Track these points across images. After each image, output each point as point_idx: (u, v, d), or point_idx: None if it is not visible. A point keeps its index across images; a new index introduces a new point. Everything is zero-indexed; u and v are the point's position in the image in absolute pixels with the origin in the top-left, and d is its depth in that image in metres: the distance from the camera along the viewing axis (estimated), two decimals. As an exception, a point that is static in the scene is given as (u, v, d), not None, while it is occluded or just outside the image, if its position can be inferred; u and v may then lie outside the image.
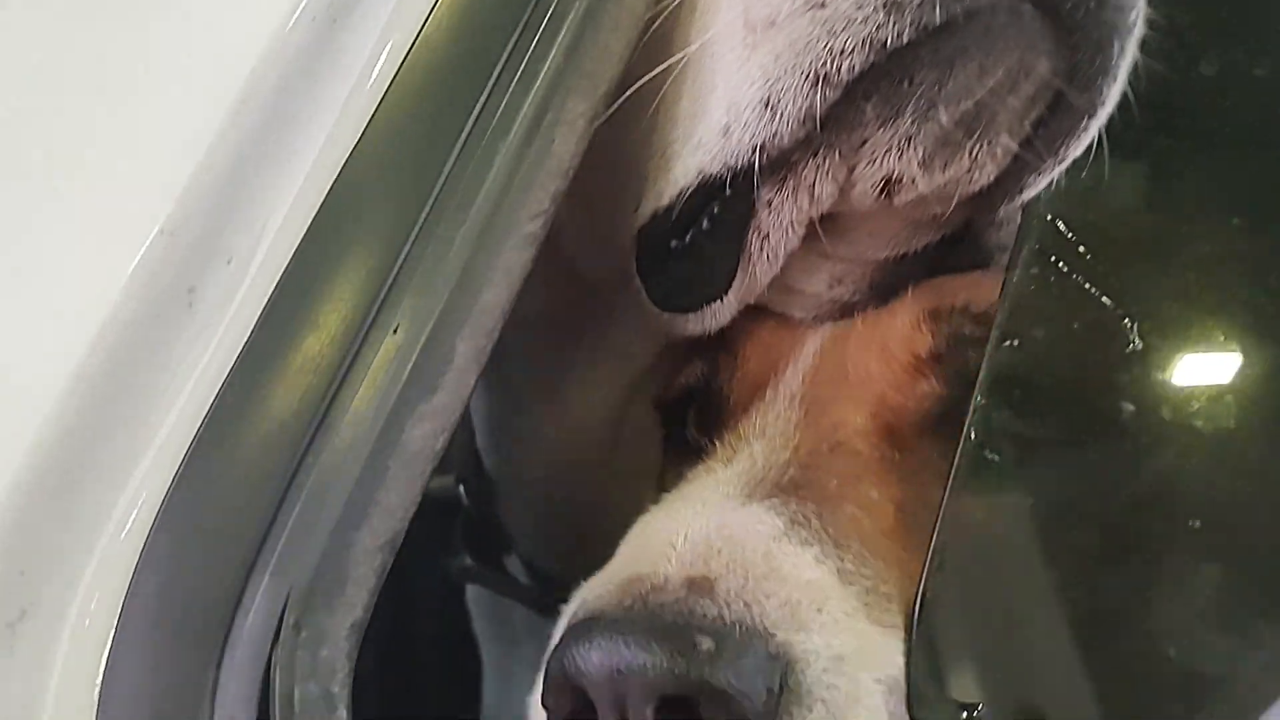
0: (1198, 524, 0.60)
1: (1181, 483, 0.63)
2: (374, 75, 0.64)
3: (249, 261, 0.61)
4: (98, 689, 0.55)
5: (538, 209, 0.66)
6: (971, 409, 0.65)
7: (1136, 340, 0.67)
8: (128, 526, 0.57)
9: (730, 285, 0.76)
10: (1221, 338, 0.69)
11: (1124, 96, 0.68)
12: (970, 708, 0.59)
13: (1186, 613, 0.62)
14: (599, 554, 0.68)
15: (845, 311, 0.80)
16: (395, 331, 0.61)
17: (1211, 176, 0.71)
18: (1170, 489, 0.65)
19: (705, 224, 0.73)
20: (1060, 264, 0.69)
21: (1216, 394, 0.65)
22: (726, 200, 0.71)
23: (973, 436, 0.64)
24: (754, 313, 0.82)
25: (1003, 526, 0.63)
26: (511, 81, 0.66)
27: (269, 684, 0.56)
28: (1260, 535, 0.63)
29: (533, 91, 0.66)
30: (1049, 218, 0.71)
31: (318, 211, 0.62)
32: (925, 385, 0.74)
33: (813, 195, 0.69)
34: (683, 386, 0.87)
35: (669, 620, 0.55)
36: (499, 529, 1.04)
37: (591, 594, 0.61)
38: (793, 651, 0.55)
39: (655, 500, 0.74)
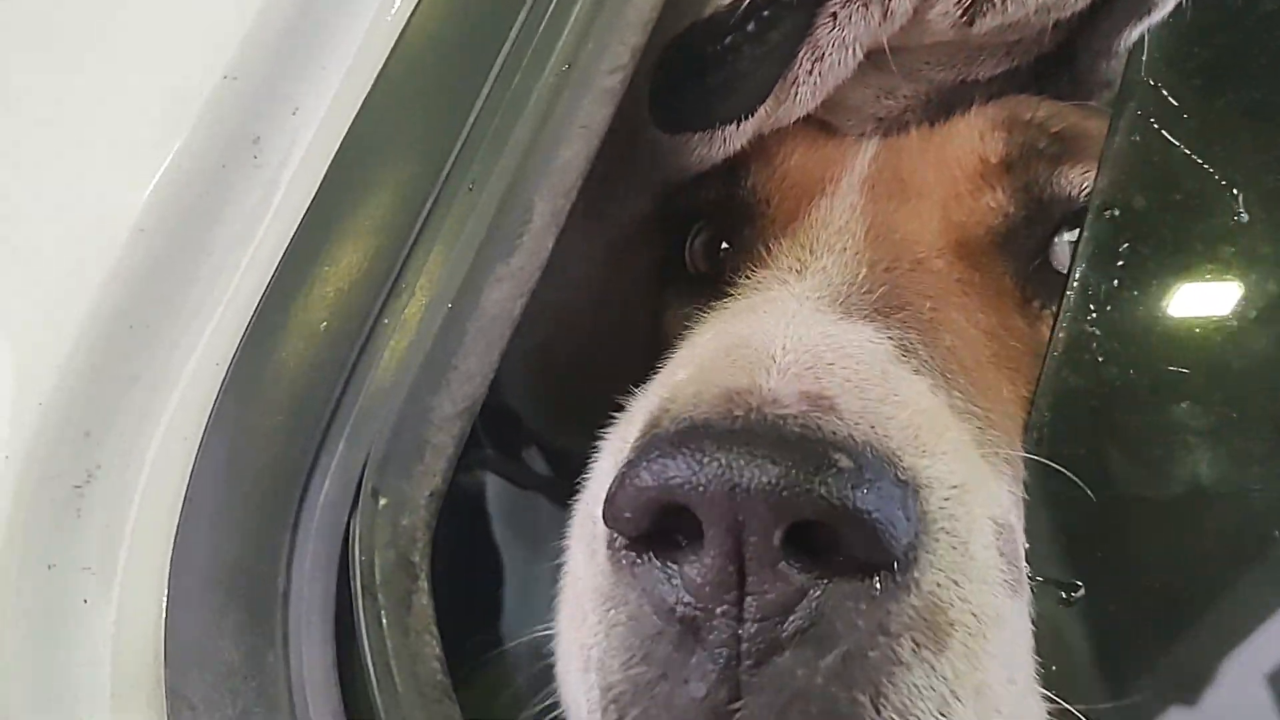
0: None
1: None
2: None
3: (315, 111, 0.58)
4: (170, 554, 0.53)
5: (616, 62, 0.62)
6: (1069, 279, 0.62)
7: (1242, 212, 0.64)
8: (195, 387, 0.54)
9: (759, 102, 0.68)
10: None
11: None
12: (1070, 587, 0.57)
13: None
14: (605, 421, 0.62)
15: (893, 127, 0.74)
16: (471, 189, 0.58)
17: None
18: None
19: (752, 26, 0.66)
20: (1161, 130, 0.66)
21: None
22: (785, 4, 0.64)
23: (1072, 306, 0.61)
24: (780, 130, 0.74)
25: (1103, 400, 0.60)
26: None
27: (348, 550, 0.54)
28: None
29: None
30: (1150, 81, 0.67)
31: (386, 60, 0.59)
32: (992, 199, 0.69)
33: (886, 10, 0.63)
34: (691, 203, 0.78)
35: (798, 434, 0.47)
36: (512, 413, 0.98)
37: (680, 401, 0.51)
38: (918, 477, 0.49)
39: (660, 346, 0.66)
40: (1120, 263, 0.63)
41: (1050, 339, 0.60)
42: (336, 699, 0.52)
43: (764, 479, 0.44)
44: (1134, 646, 0.57)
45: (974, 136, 0.70)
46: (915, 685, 0.47)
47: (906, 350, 0.56)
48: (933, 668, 0.48)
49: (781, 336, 0.54)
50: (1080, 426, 0.57)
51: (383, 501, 0.54)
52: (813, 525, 0.45)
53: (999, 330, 0.64)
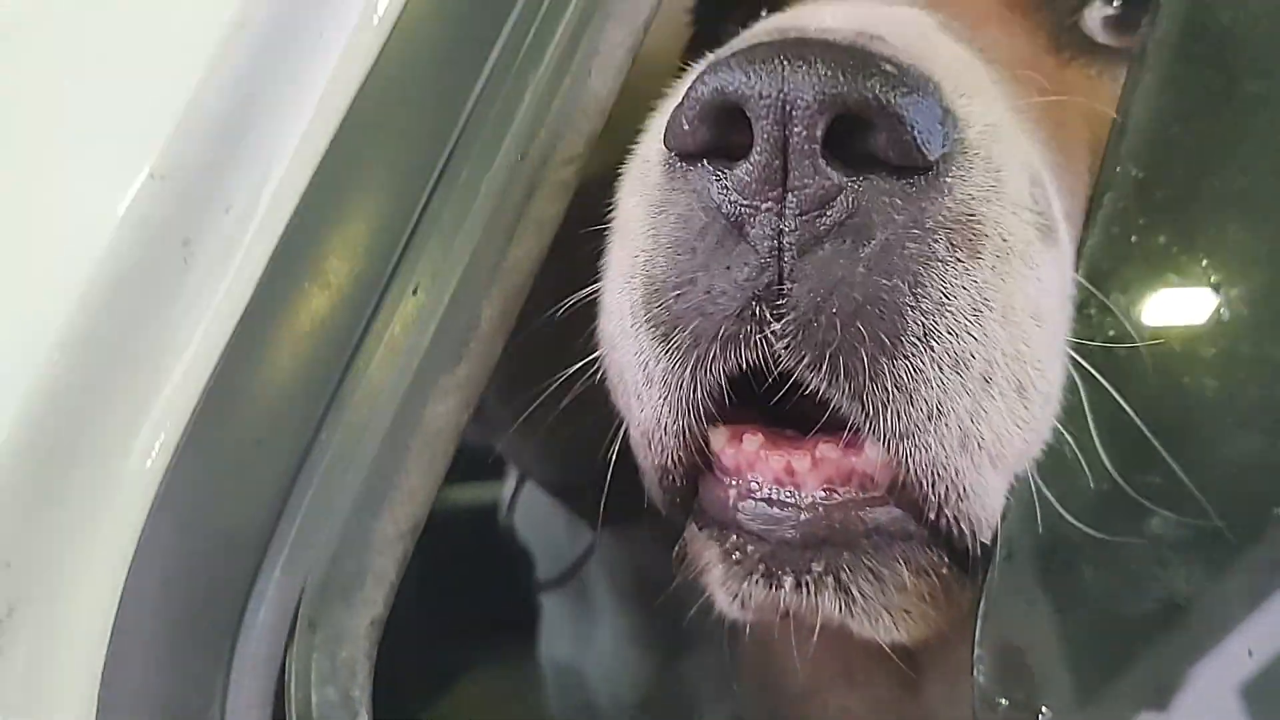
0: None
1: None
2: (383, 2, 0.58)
3: (250, 211, 0.56)
4: (97, 690, 0.52)
5: (571, 153, 0.61)
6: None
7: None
8: (124, 512, 0.53)
9: None
10: None
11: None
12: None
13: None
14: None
15: None
16: (415, 292, 0.57)
17: None
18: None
19: None
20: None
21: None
22: None
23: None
24: None
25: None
26: (541, 6, 0.60)
27: (284, 687, 0.53)
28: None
29: (565, 18, 0.60)
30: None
31: (323, 155, 0.57)
32: None
33: None
34: None
35: (848, 44, 0.52)
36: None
37: (742, 40, 0.57)
38: (956, 109, 0.54)
39: None
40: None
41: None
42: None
43: (815, 75, 0.49)
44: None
45: None
46: (950, 281, 0.52)
47: (946, 26, 0.61)
48: (967, 270, 0.52)
49: (830, 8, 0.59)
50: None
51: (320, 635, 0.53)
52: (854, 129, 0.50)
53: (1029, 60, 0.68)
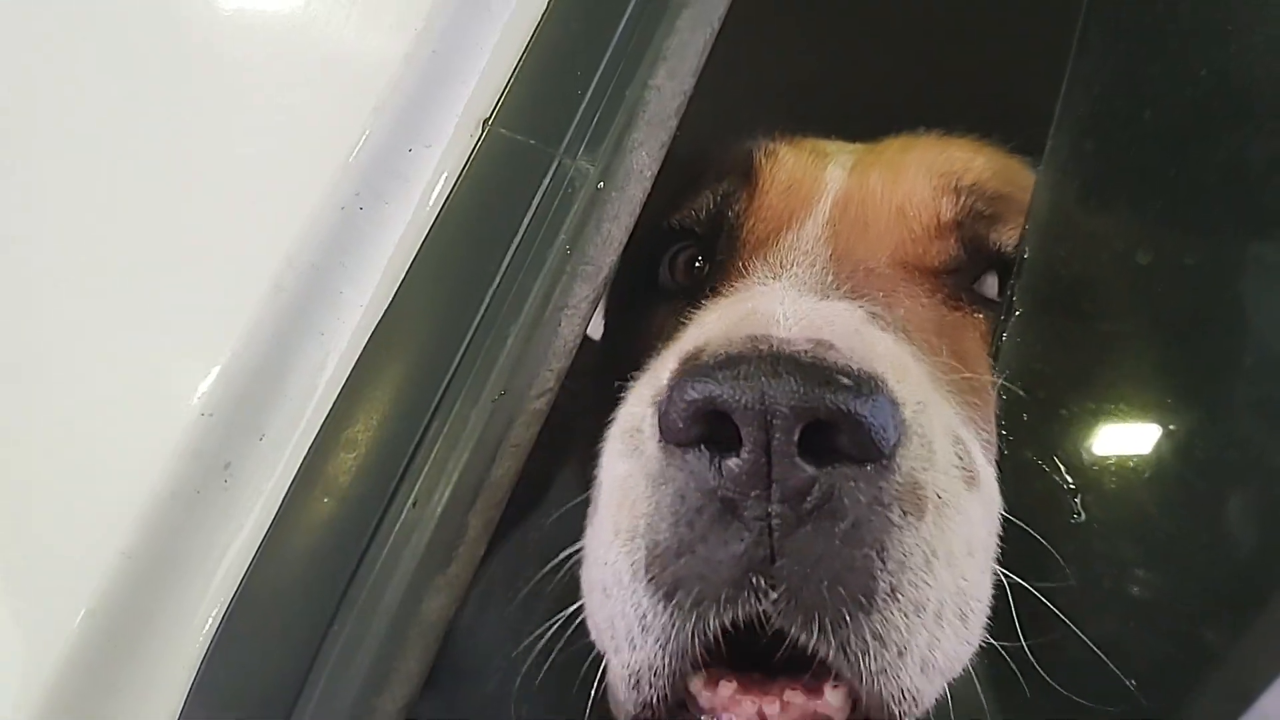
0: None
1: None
2: (396, 264, 0.73)
3: (282, 439, 0.69)
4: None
5: (544, 387, 0.75)
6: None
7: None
8: (168, 697, 0.64)
9: None
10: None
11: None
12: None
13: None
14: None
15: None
16: (413, 505, 0.70)
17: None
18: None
19: None
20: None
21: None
22: None
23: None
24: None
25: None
26: (520, 270, 0.75)
27: None
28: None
29: (540, 278, 0.75)
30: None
31: (340, 392, 0.70)
32: (939, 247, 0.90)
33: None
34: (691, 215, 0.99)
35: (811, 361, 0.64)
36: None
37: (714, 343, 0.68)
38: (897, 396, 0.65)
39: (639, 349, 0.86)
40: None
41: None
42: None
43: (788, 389, 0.61)
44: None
45: (925, 198, 0.91)
46: (906, 543, 0.64)
47: (874, 316, 0.76)
48: (916, 529, 0.65)
49: (780, 306, 0.72)
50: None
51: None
52: (821, 431, 0.62)
53: (938, 316, 0.85)
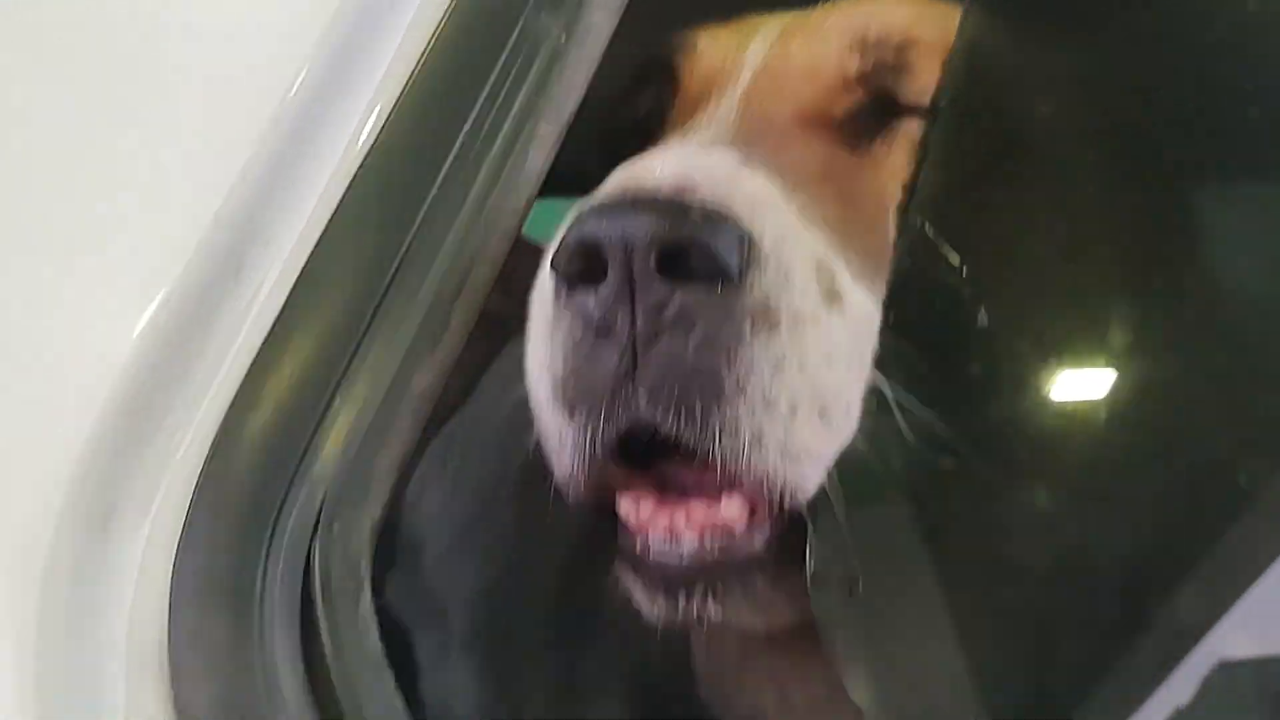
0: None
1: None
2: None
3: (285, 241, 0.81)
4: (171, 568, 0.74)
5: (515, 208, 0.87)
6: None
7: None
8: (193, 450, 0.76)
9: None
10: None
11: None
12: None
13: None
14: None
15: None
16: (405, 299, 0.82)
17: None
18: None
19: None
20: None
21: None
22: None
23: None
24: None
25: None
26: (492, 109, 0.87)
27: (310, 565, 0.75)
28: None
29: (510, 116, 0.87)
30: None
31: (337, 207, 0.82)
32: (847, 99, 0.99)
33: None
34: (626, 116, 1.12)
35: (668, 199, 0.77)
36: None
37: (596, 196, 0.81)
38: (754, 230, 0.77)
39: None
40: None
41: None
42: (302, 675, 0.73)
43: (644, 223, 0.74)
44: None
45: (835, 55, 1.01)
46: (755, 351, 0.76)
47: (751, 160, 0.86)
48: (766, 343, 0.76)
49: (660, 160, 0.84)
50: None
51: (336, 529, 0.76)
52: (677, 257, 0.74)
53: (833, 161, 0.96)
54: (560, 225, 0.86)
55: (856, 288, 0.85)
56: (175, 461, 0.76)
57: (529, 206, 0.89)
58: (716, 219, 0.76)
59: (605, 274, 0.75)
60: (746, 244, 0.76)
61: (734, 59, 1.07)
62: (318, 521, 0.76)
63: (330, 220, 0.83)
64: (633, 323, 0.76)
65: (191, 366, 0.78)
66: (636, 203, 0.76)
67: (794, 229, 0.83)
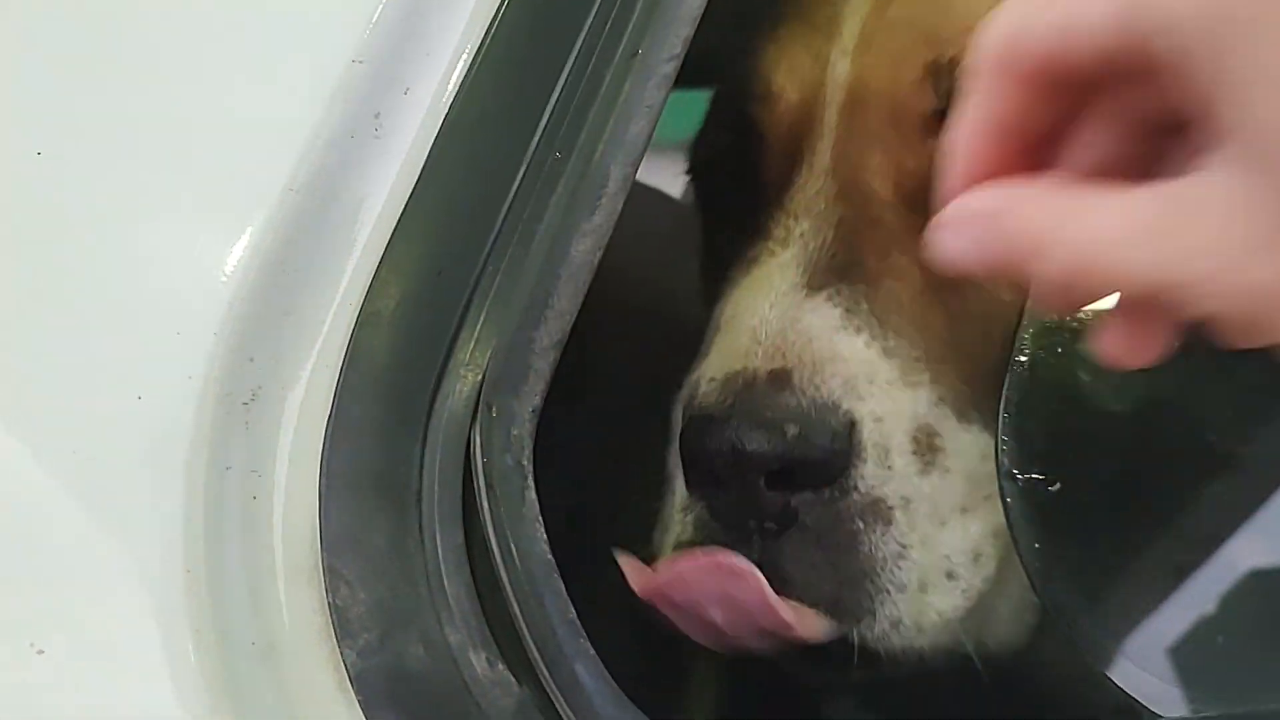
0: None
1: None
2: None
3: (425, 91, 0.73)
4: (320, 460, 0.67)
5: (671, 52, 0.78)
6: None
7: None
8: (338, 320, 0.69)
9: None
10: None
11: None
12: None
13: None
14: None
15: None
16: (558, 156, 0.74)
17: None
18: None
19: None
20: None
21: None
22: None
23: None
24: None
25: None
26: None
27: (469, 456, 0.69)
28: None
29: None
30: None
31: (481, 47, 0.74)
32: (933, 142, 0.87)
33: None
34: (716, 146, 1.07)
35: (764, 415, 0.78)
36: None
37: (702, 388, 0.84)
38: (853, 416, 0.79)
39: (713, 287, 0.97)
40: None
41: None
42: (467, 574, 0.67)
43: (746, 449, 0.77)
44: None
45: (911, 89, 0.91)
46: (873, 547, 0.79)
47: (850, 312, 0.84)
48: (883, 535, 0.79)
49: (763, 318, 0.85)
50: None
51: (496, 414, 0.69)
52: (781, 472, 0.78)
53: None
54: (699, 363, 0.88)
55: (960, 430, 0.83)
56: (320, 339, 0.69)
57: (685, 48, 0.80)
58: (814, 418, 0.78)
59: (722, 482, 0.79)
60: (846, 435, 0.79)
61: (817, 101, 0.96)
62: (476, 406, 0.69)
63: (472, 67, 0.74)
64: (757, 520, 0.79)
65: (330, 226, 0.71)
66: (739, 408, 0.79)
67: (892, 398, 0.82)
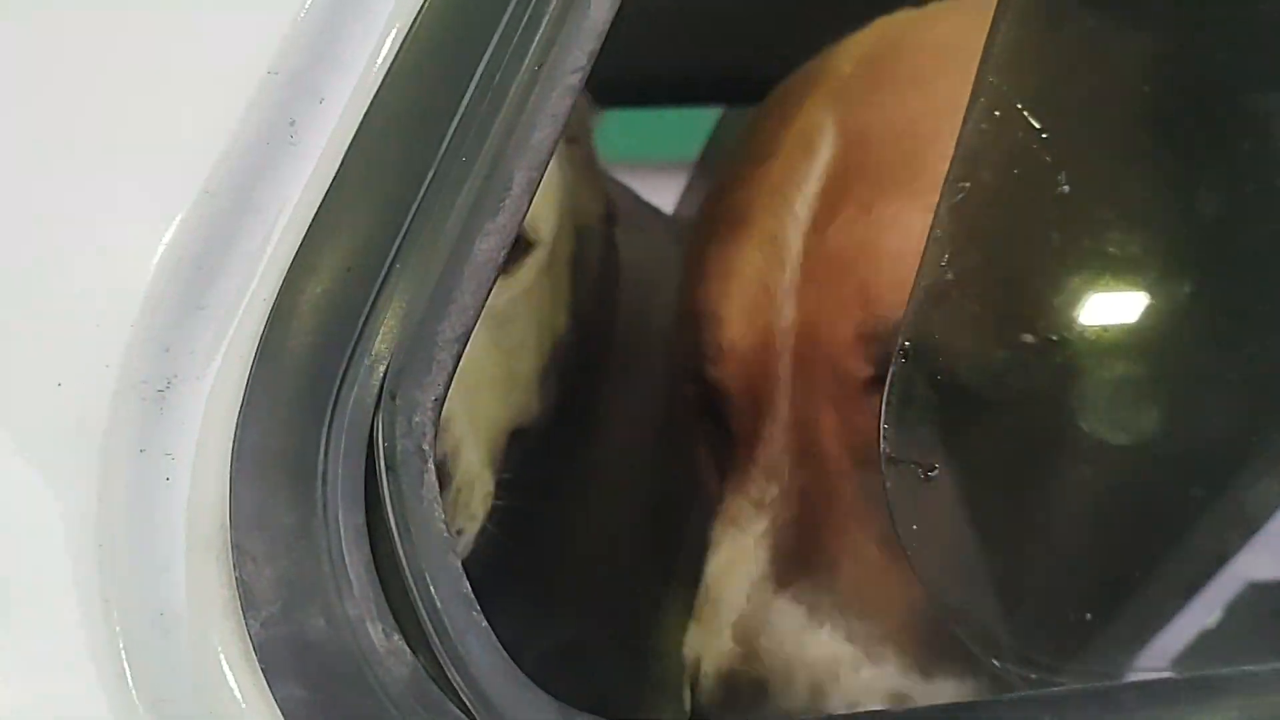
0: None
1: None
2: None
3: (338, 101, 0.78)
4: (231, 444, 0.72)
5: (576, 65, 0.83)
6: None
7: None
8: (249, 315, 0.74)
9: None
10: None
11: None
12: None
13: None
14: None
15: None
16: (464, 160, 0.78)
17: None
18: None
19: None
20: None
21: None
22: None
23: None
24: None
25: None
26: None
27: (372, 440, 0.73)
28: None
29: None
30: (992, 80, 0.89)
31: (394, 60, 0.79)
32: (875, 400, 0.88)
33: None
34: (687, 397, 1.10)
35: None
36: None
37: (701, 681, 0.91)
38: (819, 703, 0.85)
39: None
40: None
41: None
42: (367, 551, 0.71)
43: None
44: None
45: (849, 359, 0.94)
46: None
47: (815, 610, 0.88)
48: None
49: (738, 612, 0.91)
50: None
51: (399, 402, 0.73)
52: None
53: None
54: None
55: (931, 687, 0.87)
56: (232, 331, 0.73)
57: (591, 61, 0.85)
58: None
59: None
60: None
61: (769, 351, 0.98)
62: (380, 395, 0.73)
63: (385, 77, 0.79)
64: None
65: (244, 227, 0.75)
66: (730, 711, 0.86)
67: (861, 681, 0.87)
